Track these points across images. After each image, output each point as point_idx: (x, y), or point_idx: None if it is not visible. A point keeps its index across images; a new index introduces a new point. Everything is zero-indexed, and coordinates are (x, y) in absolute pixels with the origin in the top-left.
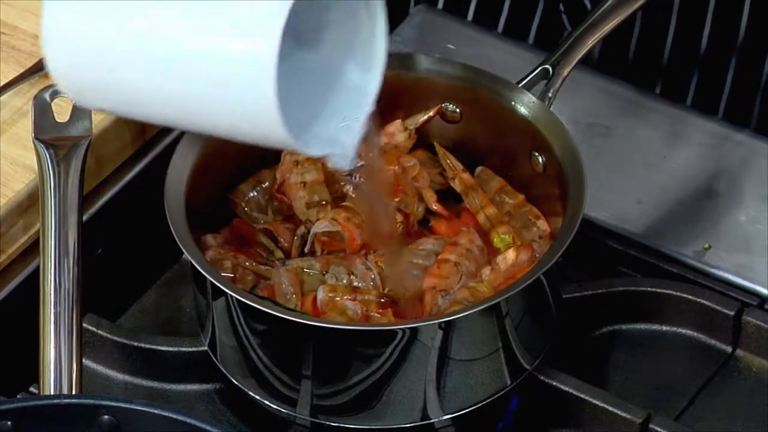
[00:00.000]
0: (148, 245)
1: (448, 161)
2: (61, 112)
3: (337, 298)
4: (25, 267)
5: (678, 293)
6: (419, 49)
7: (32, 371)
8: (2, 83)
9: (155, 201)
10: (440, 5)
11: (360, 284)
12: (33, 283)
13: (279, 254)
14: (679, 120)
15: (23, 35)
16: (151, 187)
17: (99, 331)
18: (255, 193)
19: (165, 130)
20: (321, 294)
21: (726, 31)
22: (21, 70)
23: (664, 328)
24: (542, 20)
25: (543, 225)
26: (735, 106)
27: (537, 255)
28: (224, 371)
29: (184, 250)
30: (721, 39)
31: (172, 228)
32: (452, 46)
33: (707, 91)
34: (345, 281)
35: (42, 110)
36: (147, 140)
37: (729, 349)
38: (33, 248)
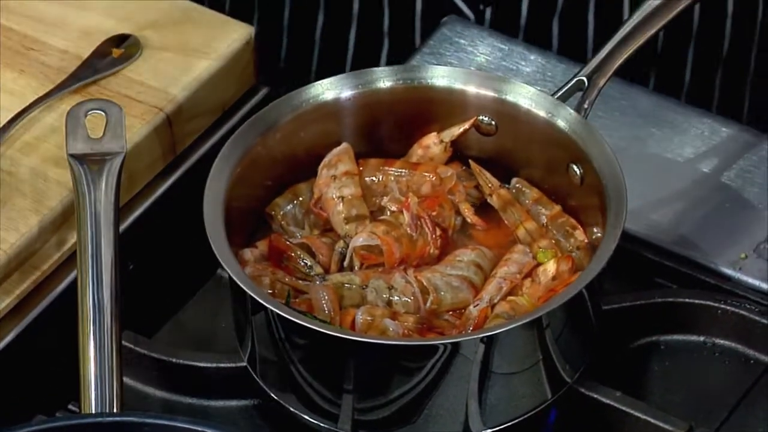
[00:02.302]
0: (180, 260)
1: (484, 178)
2: (95, 128)
3: (376, 322)
4: (59, 283)
5: (716, 304)
6: (450, 61)
7: (68, 388)
8: (32, 99)
9: (186, 215)
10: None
11: (398, 299)
12: (67, 299)
13: (318, 269)
14: (711, 130)
15: (51, 50)
16: (183, 201)
17: (137, 348)
18: (291, 207)
19: (196, 143)
20: (359, 316)
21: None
22: (50, 86)
23: (702, 338)
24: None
25: (580, 235)
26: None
27: (577, 266)
28: (264, 386)
29: (224, 266)
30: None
31: (212, 243)
32: (483, 58)
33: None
34: (385, 295)
35: (75, 126)
36: (178, 154)
37: None
38: (66, 264)
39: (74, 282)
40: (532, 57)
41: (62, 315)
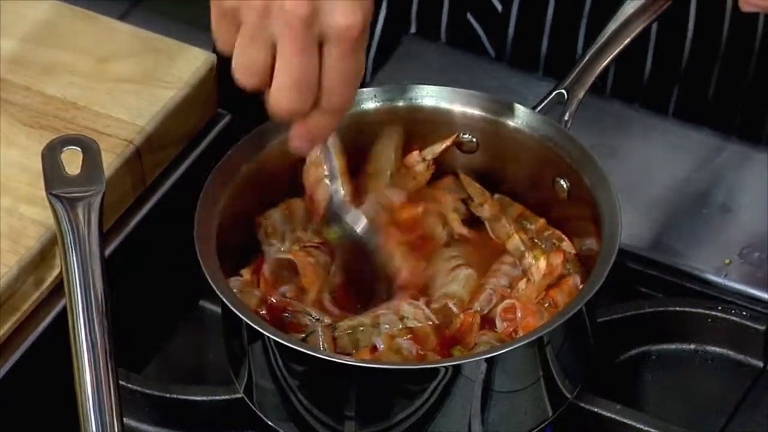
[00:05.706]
0: (158, 294)
1: (475, 188)
2: (69, 165)
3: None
4: (40, 323)
5: (707, 311)
6: (414, 79)
7: (62, 429)
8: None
9: (161, 248)
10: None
11: (414, 325)
12: (50, 338)
13: (326, 321)
14: (684, 136)
15: (15, 87)
16: (156, 233)
17: (129, 385)
18: (282, 222)
19: (164, 174)
20: (381, 345)
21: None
22: (15, 123)
23: (693, 346)
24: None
25: (568, 246)
26: (746, 121)
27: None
28: (263, 417)
29: (220, 295)
30: (736, 53)
31: (206, 274)
32: (450, 75)
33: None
34: (399, 327)
35: (52, 164)
36: (147, 186)
37: (761, 364)
38: (44, 304)
39: (55, 320)
40: (494, 72)
41: (46, 355)
